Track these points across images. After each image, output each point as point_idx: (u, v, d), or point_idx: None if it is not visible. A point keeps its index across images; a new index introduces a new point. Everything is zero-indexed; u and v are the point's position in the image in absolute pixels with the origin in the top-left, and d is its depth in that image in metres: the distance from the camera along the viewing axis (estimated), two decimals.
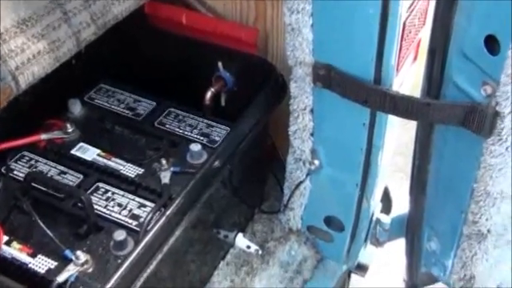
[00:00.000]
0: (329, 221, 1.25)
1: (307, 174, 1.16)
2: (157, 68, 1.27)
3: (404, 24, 0.91)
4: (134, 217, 0.96)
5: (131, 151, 1.09)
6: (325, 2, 0.88)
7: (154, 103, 1.19)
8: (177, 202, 0.92)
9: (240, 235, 1.23)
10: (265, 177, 1.38)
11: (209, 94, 1.20)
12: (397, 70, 0.96)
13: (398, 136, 1.17)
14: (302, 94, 1.02)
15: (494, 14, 0.77)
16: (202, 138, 1.11)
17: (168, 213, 0.90)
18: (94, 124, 1.14)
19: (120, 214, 0.97)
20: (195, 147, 1.04)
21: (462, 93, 0.89)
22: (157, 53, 1.27)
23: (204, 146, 1.08)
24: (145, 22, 1.31)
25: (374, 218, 1.22)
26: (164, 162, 1.02)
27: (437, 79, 0.91)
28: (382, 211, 1.32)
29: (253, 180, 1.30)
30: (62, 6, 1.03)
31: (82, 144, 1.09)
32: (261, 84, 1.16)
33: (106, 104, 1.19)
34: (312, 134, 1.09)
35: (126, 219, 0.96)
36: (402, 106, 0.89)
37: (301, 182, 1.17)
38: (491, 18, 0.78)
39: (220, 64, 1.19)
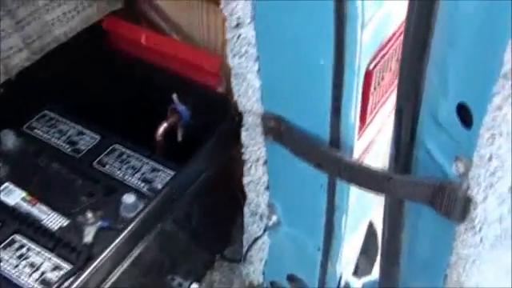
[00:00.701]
0: (292, 278, 1.11)
1: (264, 230, 1.02)
2: (108, 93, 1.14)
3: (369, 72, 0.76)
4: (45, 283, 0.84)
5: (62, 196, 0.97)
6: (271, 46, 0.73)
7: (99, 137, 1.06)
8: (94, 265, 0.80)
9: (195, 286, 1.11)
10: (230, 220, 1.24)
11: (161, 130, 1.07)
12: (363, 124, 0.81)
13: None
14: (254, 144, 0.88)
15: (468, 78, 0.62)
16: (142, 184, 0.98)
17: (81, 280, 0.78)
18: (27, 159, 1.02)
19: (30, 277, 0.84)
20: (128, 198, 0.91)
21: (434, 163, 0.74)
22: (109, 76, 1.14)
23: (142, 195, 0.95)
24: (98, 40, 1.18)
25: (343, 282, 1.07)
26: (90, 215, 0.90)
27: (406, 143, 0.76)
28: (357, 268, 1.17)
29: (212, 225, 1.16)
30: None
31: (7, 184, 0.97)
32: (218, 122, 1.03)
33: (45, 136, 1.06)
34: (267, 188, 0.95)
35: (36, 286, 0.84)
36: (361, 178, 0.74)
37: (258, 237, 1.04)
38: (464, 83, 0.63)
39: (175, 96, 1.06)
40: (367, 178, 0.74)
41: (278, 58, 0.74)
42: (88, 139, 1.06)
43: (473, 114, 0.62)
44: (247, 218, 1.03)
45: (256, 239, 1.04)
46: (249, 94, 0.80)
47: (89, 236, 0.88)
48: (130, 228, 0.85)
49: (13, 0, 0.93)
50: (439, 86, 0.66)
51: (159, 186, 0.97)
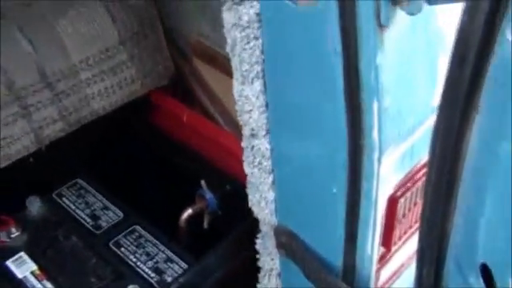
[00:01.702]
0: None
1: None
2: (140, 168, 1.13)
3: (395, 200, 0.69)
4: None
5: (72, 274, 0.94)
6: (284, 164, 0.68)
7: (122, 215, 1.04)
8: None
9: None
10: None
11: (185, 215, 1.03)
12: (388, 251, 0.74)
13: None
14: (268, 254, 0.83)
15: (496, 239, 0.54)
16: (153, 274, 0.94)
17: None
18: (47, 229, 1.02)
19: None
20: None
21: None
22: (144, 151, 1.13)
23: (150, 287, 0.91)
24: (143, 113, 1.18)
25: None
26: None
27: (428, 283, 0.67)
28: None
29: None
30: (21, 100, 0.93)
31: (21, 254, 0.96)
32: (242, 218, 0.98)
33: (71, 206, 1.06)
34: None
35: None
36: None
37: None
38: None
39: (203, 183, 1.03)
40: None
41: (292, 177, 0.69)
42: (111, 215, 1.04)
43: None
44: None
45: None
46: (261, 204, 0.75)
47: None
48: None
49: (54, 73, 0.95)
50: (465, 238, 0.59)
51: (169, 280, 0.92)
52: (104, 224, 1.03)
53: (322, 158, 0.62)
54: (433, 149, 0.54)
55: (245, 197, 1.02)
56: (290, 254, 0.76)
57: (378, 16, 0.51)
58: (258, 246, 0.83)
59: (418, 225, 0.79)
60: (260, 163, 0.70)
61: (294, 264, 0.78)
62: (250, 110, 0.65)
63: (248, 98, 0.64)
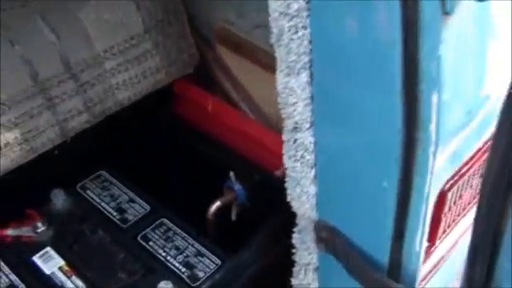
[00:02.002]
0: None
1: None
2: (165, 160, 1.11)
3: (443, 194, 0.66)
4: None
5: (100, 269, 0.93)
6: (329, 158, 0.66)
7: (148, 208, 1.02)
8: None
9: None
10: None
11: (213, 208, 1.01)
12: (432, 245, 0.71)
13: None
14: (305, 248, 0.80)
15: None
16: (184, 269, 0.92)
17: None
18: (72, 224, 1.00)
19: None
20: (164, 287, 0.85)
21: None
22: (169, 143, 1.11)
23: (181, 282, 0.89)
24: (167, 103, 1.16)
25: None
26: None
27: (480, 285, 0.65)
28: None
29: None
30: (46, 91, 0.91)
31: (48, 249, 0.95)
32: (274, 210, 0.96)
33: (96, 199, 1.04)
34: None
35: None
36: None
37: None
38: None
39: (232, 174, 1.01)
40: None
41: (337, 171, 0.66)
42: (137, 208, 1.02)
43: None
44: None
45: None
46: (302, 199, 0.72)
47: None
48: None
49: (78, 63, 0.93)
50: None
51: (201, 275, 0.90)
52: (131, 217, 1.01)
53: (372, 152, 0.59)
54: (495, 144, 0.52)
55: (274, 188, 1.00)
56: (331, 249, 0.74)
57: (443, 3, 0.48)
58: (294, 241, 0.81)
59: (460, 218, 0.78)
60: (302, 157, 0.67)
61: (333, 259, 0.76)
62: (295, 103, 0.63)
63: (293, 90, 0.62)
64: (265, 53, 1.06)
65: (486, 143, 0.70)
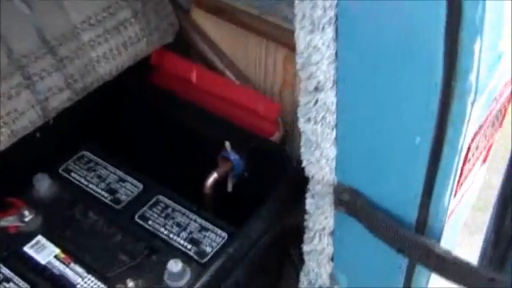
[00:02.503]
0: None
1: None
2: (152, 136, 1.06)
3: (468, 147, 0.65)
4: None
5: (99, 254, 0.88)
6: (354, 116, 0.63)
7: (141, 186, 0.98)
8: None
9: None
10: (278, 272, 1.15)
11: (210, 180, 0.98)
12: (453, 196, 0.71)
13: None
14: (320, 213, 0.78)
15: None
16: (189, 246, 0.88)
17: None
18: (61, 209, 0.94)
19: None
20: (174, 266, 0.82)
21: None
22: (154, 117, 1.06)
23: (189, 259, 0.86)
24: (145, 77, 1.10)
25: None
26: (131, 284, 0.81)
27: (508, 235, 0.65)
28: None
29: (259, 282, 1.07)
30: (23, 69, 0.84)
31: (39, 238, 0.89)
32: (276, 176, 0.94)
33: (82, 181, 0.98)
34: (332, 259, 0.85)
35: None
36: (453, 272, 0.63)
37: None
38: None
39: (228, 144, 0.97)
40: (461, 274, 0.63)
41: (362, 130, 0.64)
42: (129, 187, 0.98)
43: None
44: (304, 286, 0.94)
45: None
46: (321, 163, 0.70)
47: None
48: None
49: (55, 37, 0.86)
50: None
51: (208, 250, 0.87)
52: (124, 197, 0.96)
53: (406, 107, 0.57)
54: None
55: (272, 154, 0.98)
56: (352, 211, 0.72)
57: None
58: (308, 206, 0.79)
59: (475, 169, 0.78)
60: (323, 118, 0.65)
61: (350, 222, 0.74)
62: (318, 62, 0.59)
63: (317, 48, 0.58)
64: (249, 16, 1.02)
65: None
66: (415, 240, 0.65)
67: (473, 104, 0.55)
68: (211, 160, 0.99)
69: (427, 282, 0.77)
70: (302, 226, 0.87)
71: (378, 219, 0.68)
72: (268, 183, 0.94)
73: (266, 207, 0.86)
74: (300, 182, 0.89)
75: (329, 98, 0.63)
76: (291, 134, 1.08)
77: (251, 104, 1.01)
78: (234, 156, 0.98)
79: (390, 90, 0.58)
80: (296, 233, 1.03)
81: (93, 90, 0.97)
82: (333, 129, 0.66)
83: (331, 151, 0.68)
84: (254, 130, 1.00)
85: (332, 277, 0.88)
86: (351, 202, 0.71)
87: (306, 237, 0.85)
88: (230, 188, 1.01)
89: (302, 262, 0.96)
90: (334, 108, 0.64)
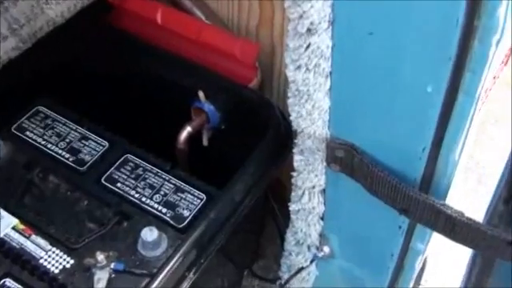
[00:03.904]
0: None
1: (312, 260, 0.86)
2: (114, 87, 0.96)
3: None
4: None
5: (64, 221, 0.79)
6: (353, 61, 0.55)
7: (106, 144, 0.88)
8: None
9: None
10: (260, 231, 1.09)
11: (183, 135, 0.89)
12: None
13: None
14: (310, 171, 0.71)
15: None
16: (164, 209, 0.80)
17: None
18: (17, 172, 0.84)
19: None
20: (149, 235, 0.74)
21: None
22: (116, 66, 0.95)
23: (165, 225, 0.78)
24: (103, 19, 0.98)
25: None
26: (101, 256, 0.73)
27: None
28: None
29: (241, 242, 1.01)
30: None
31: None
32: (257, 129, 0.85)
33: (39, 140, 0.88)
34: (322, 218, 0.79)
35: None
36: (465, 235, 0.57)
37: (302, 268, 0.88)
38: None
39: (201, 94, 0.88)
40: (475, 238, 0.57)
41: (362, 77, 0.55)
42: (93, 146, 0.88)
43: None
44: (290, 246, 0.87)
45: (300, 270, 0.88)
46: (313, 115, 0.62)
47: (101, 283, 0.72)
48: (157, 280, 0.69)
49: None
50: None
51: (186, 214, 0.79)
52: (87, 157, 0.87)
53: (417, 47, 0.49)
54: None
55: (250, 103, 0.89)
56: (348, 168, 0.65)
57: None
58: (296, 164, 0.72)
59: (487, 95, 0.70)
60: (316, 66, 0.56)
61: (343, 179, 0.67)
62: None
63: None
64: None
65: None
66: (423, 200, 0.58)
67: (498, 43, 0.47)
68: (183, 112, 0.90)
69: (427, 243, 0.72)
70: (287, 182, 0.80)
71: (378, 177, 0.61)
72: (249, 136, 0.86)
73: (249, 165, 0.78)
74: (286, 135, 0.82)
75: (323, 41, 0.54)
76: (270, 80, 0.99)
77: (225, 47, 0.91)
78: (208, 106, 0.89)
79: (399, 29, 0.49)
80: (279, 189, 0.97)
81: (43, 36, 0.86)
82: (327, 77, 0.57)
83: (325, 102, 0.60)
84: (230, 76, 0.90)
85: (322, 236, 0.82)
86: (347, 159, 0.63)
87: (293, 195, 0.78)
88: (205, 142, 0.93)
89: (286, 219, 0.90)
90: (329, 53, 0.55)
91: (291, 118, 0.65)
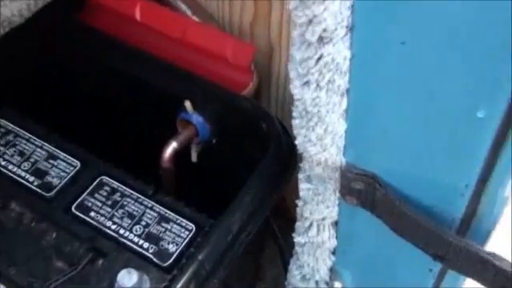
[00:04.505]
0: None
1: None
2: (86, 96, 0.84)
3: None
4: None
5: (27, 261, 0.68)
6: (377, 75, 0.43)
7: (78, 163, 0.76)
8: None
9: None
10: (260, 253, 0.98)
11: (168, 151, 0.77)
12: None
13: None
14: (320, 201, 0.60)
15: None
16: (147, 244, 0.68)
17: None
18: None
19: None
20: (127, 279, 0.62)
21: None
22: (88, 70, 0.83)
23: (147, 263, 0.67)
24: (72, 14, 0.86)
25: None
26: None
27: None
28: None
29: (238, 272, 0.90)
30: None
31: None
32: (255, 144, 0.74)
33: None
34: (333, 253, 0.68)
35: None
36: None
37: None
38: None
39: (188, 103, 0.76)
40: None
41: (387, 96, 0.44)
42: (63, 167, 0.76)
43: None
44: (295, 281, 0.76)
45: None
46: (325, 141, 0.50)
47: None
48: None
49: None
50: None
51: (172, 248, 0.68)
52: (56, 181, 0.75)
53: (468, 64, 0.38)
54: None
55: (248, 114, 0.78)
56: (368, 203, 0.54)
57: None
58: (303, 193, 0.60)
59: None
60: (330, 82, 0.45)
61: (362, 212, 0.56)
62: None
63: None
64: None
65: None
66: (465, 247, 0.47)
67: None
68: (168, 125, 0.78)
69: (463, 282, 0.61)
70: (290, 208, 0.69)
71: (407, 217, 0.50)
72: (245, 152, 0.75)
73: (248, 189, 0.67)
74: (288, 153, 0.71)
75: (340, 51, 0.42)
76: (267, 85, 0.87)
77: (215, 47, 0.79)
78: (196, 118, 0.77)
79: (444, 37, 0.38)
80: (281, 213, 0.86)
81: (4, 39, 0.74)
82: (343, 95, 0.46)
83: (340, 125, 0.49)
84: (221, 82, 0.79)
85: (333, 271, 0.71)
86: (367, 192, 0.52)
87: (298, 225, 0.67)
88: (194, 158, 0.81)
89: (287, 236, 0.80)
90: (346, 66, 0.43)
91: (297, 142, 0.53)
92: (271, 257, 1.04)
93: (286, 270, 0.98)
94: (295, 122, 0.51)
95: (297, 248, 0.70)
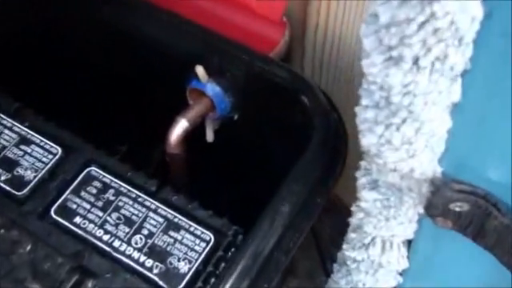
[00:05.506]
0: None
1: None
2: (74, 64, 0.67)
3: None
4: None
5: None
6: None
7: (59, 150, 0.60)
8: None
9: None
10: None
11: (177, 132, 0.61)
12: None
13: None
14: (392, 217, 0.44)
15: None
16: (150, 261, 0.53)
17: None
18: None
19: None
20: None
21: None
22: (75, 29, 0.67)
23: (151, 286, 0.52)
24: None
25: None
26: None
27: None
28: None
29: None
30: None
31: None
32: (290, 121, 0.58)
33: None
34: (401, 274, 0.53)
35: None
36: None
37: None
38: None
39: (200, 69, 0.60)
40: None
41: None
42: (39, 155, 0.60)
43: None
44: None
45: None
46: (414, 144, 0.34)
47: None
48: None
49: None
50: None
51: (183, 268, 0.53)
52: (29, 174, 0.58)
53: None
54: None
55: (277, 80, 0.61)
56: (473, 231, 0.38)
57: None
58: (365, 204, 0.44)
59: None
60: (439, 59, 0.28)
61: (460, 243, 0.40)
62: None
63: None
64: None
65: None
66: None
67: None
68: (175, 98, 0.62)
69: None
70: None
71: None
72: (278, 133, 0.59)
73: (288, 188, 0.50)
74: (337, 136, 0.55)
75: (466, 9, 0.25)
76: (299, 44, 0.70)
77: None
78: (212, 88, 0.61)
79: None
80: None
81: None
82: (455, 80, 0.29)
83: (442, 123, 0.32)
84: (243, 40, 0.62)
85: None
86: (474, 216, 0.36)
87: (353, 237, 0.51)
88: (210, 138, 0.65)
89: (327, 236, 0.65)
90: (472, 34, 0.26)
91: (363, 142, 0.37)
92: (304, 246, 0.91)
93: (323, 263, 0.87)
94: (364, 115, 0.35)
95: (348, 263, 0.55)
